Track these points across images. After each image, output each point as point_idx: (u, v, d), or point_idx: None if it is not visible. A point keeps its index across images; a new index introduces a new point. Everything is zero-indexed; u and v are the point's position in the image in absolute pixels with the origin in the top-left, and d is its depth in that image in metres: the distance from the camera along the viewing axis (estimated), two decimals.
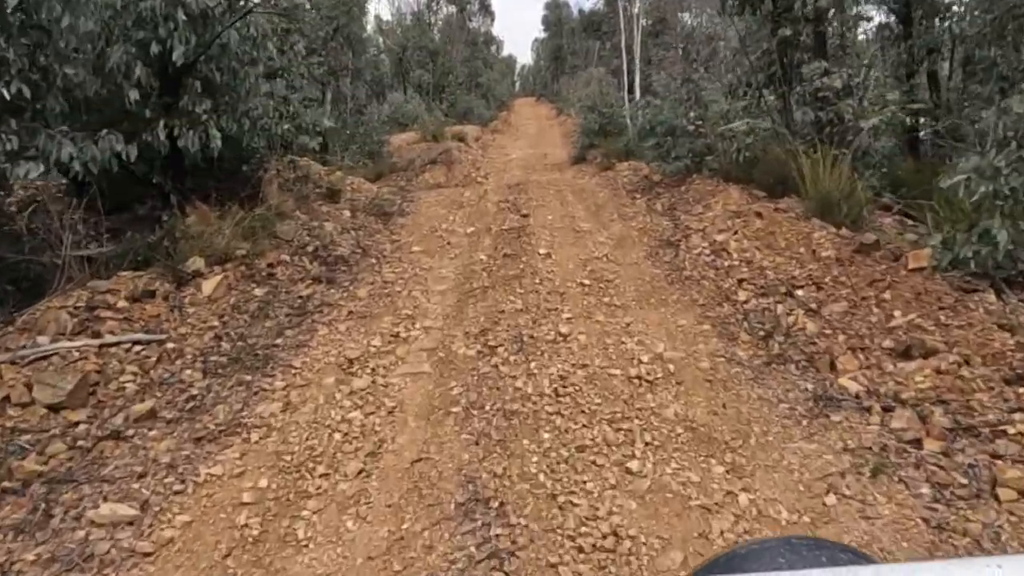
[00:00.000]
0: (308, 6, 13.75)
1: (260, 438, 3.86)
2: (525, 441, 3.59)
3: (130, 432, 3.89)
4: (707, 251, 6.87)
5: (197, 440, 3.83)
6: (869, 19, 11.52)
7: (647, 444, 3.55)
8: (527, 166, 18.35)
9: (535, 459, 3.43)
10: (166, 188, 6.70)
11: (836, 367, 4.28)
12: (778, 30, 8.08)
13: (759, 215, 6.97)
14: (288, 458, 3.64)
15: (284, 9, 13.32)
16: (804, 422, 3.73)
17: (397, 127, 21.62)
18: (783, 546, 0.82)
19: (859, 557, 0.82)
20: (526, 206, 9.25)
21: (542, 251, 7.22)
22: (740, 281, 5.95)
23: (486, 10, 28.01)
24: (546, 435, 3.66)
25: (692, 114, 9.54)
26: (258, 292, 5.99)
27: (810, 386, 4.13)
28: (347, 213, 8.39)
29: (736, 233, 6.90)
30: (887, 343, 4.32)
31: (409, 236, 8.16)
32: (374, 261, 7.18)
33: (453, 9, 27.59)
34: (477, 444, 3.62)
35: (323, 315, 5.74)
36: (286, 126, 7.66)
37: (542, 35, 38.26)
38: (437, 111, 21.38)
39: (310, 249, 7.11)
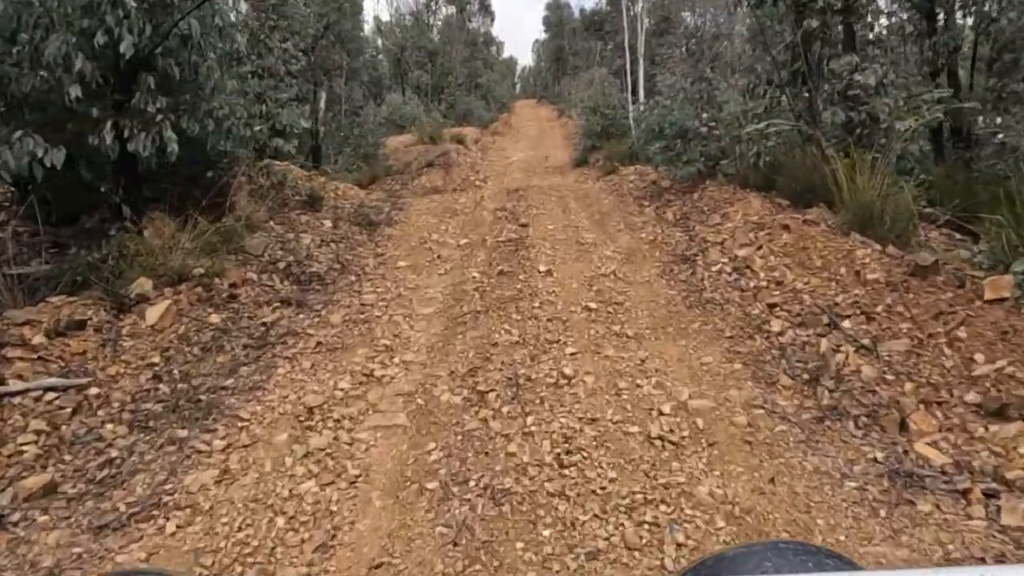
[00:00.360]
0: (297, 2, 12.85)
1: (180, 526, 2.95)
2: (519, 544, 2.68)
3: (15, 517, 2.99)
4: (728, 268, 5.97)
5: (98, 530, 2.92)
6: (891, 14, 10.59)
7: (679, 546, 2.65)
8: (528, 169, 17.45)
9: (532, 575, 2.52)
10: (115, 197, 5.80)
11: (908, 427, 3.37)
12: (802, 21, 7.16)
13: (786, 228, 6.06)
14: (209, 559, 2.74)
15: (272, 5, 12.45)
16: (882, 511, 2.81)
17: (395, 129, 20.75)
18: (770, 550, 0.80)
19: (845, 563, 0.80)
20: (525, 215, 8.34)
21: (542, 268, 6.32)
22: (771, 307, 5.04)
23: (486, 10, 27.17)
24: (546, 532, 2.75)
25: (705, 115, 8.63)
26: (214, 319, 5.08)
27: (880, 454, 3.21)
28: (328, 223, 7.49)
29: (761, 248, 6.00)
30: (971, 397, 3.40)
31: (395, 249, 7.25)
32: (354, 279, 6.28)
33: (452, 10, 26.70)
34: (455, 545, 2.70)
35: (287, 347, 4.83)
36: (257, 127, 6.76)
37: (543, 36, 37.38)
38: (436, 112, 20.46)
39: (282, 265, 6.21)
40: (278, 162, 8.39)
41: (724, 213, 7.10)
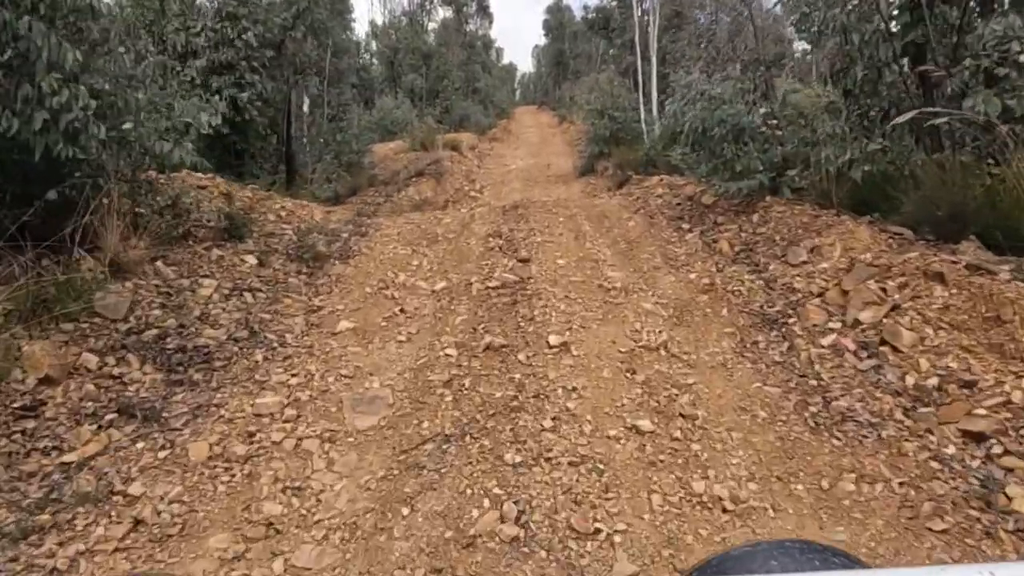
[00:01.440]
0: None
1: None
2: None
3: None
4: (851, 345, 3.54)
5: None
6: None
7: None
8: (528, 178, 15.05)
9: None
10: None
11: None
12: None
13: (939, 278, 3.64)
14: None
15: None
16: None
17: (386, 134, 18.35)
18: (776, 549, 0.77)
19: (851, 562, 0.77)
20: (526, 243, 5.91)
21: (553, 339, 3.87)
22: (974, 438, 2.63)
23: (484, 12, 24.78)
24: None
25: (763, 110, 6.20)
26: None
27: None
28: (252, 260, 5.07)
29: (901, 310, 3.58)
30: None
31: (341, 299, 4.81)
32: (260, 358, 3.83)
33: (449, 12, 24.34)
34: None
35: (69, 536, 2.42)
36: (139, 129, 4.34)
37: (543, 42, 34.98)
38: (429, 117, 18.05)
39: (151, 335, 3.78)
40: (200, 175, 5.97)
41: (813, 247, 4.66)
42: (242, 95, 9.90)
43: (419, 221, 7.25)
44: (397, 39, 21.71)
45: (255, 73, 10.13)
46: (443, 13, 24.53)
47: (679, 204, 6.95)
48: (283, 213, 6.44)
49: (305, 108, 16.25)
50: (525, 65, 66.86)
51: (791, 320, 3.95)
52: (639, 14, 14.78)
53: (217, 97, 9.64)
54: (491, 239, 6.10)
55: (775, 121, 6.09)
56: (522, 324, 4.14)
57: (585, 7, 19.03)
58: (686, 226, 6.21)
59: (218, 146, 10.28)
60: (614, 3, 17.24)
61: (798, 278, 4.39)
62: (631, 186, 10.17)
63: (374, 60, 22.60)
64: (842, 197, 5.39)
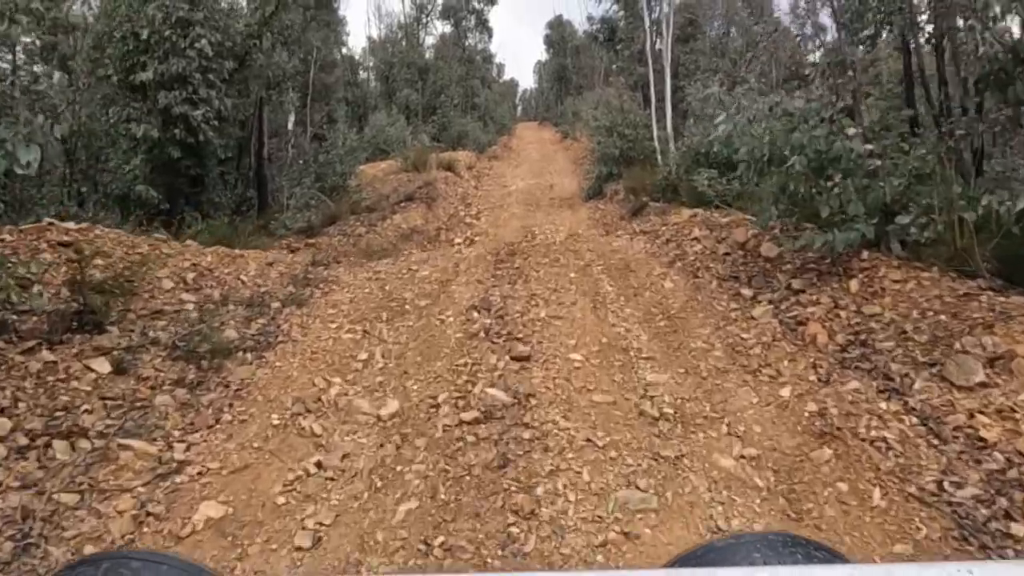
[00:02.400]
0: None
1: None
2: None
3: None
4: None
5: None
6: None
7: None
8: (530, 201, 13.15)
9: None
10: None
11: None
12: None
13: None
14: None
15: None
16: None
17: (379, 153, 16.50)
18: (759, 542, 0.73)
19: (834, 556, 0.74)
20: (525, 321, 3.95)
21: (575, 544, 1.97)
22: None
23: (483, 26, 22.94)
24: None
25: (852, 130, 4.25)
26: None
27: None
28: (104, 366, 3.16)
29: None
30: None
31: (226, 442, 2.86)
32: None
33: (448, 27, 22.54)
34: None
35: None
36: None
37: (544, 58, 33.19)
38: (424, 135, 16.16)
39: None
40: (70, 225, 4.08)
41: (992, 356, 2.73)
42: (195, 113, 8.03)
43: (387, 275, 5.31)
44: (392, 53, 19.87)
45: (211, 88, 8.24)
46: (441, 28, 22.75)
47: (728, 254, 4.99)
48: (192, 275, 4.50)
49: (290, 125, 14.42)
50: (527, 80, 65.27)
51: (1011, 521, 2.02)
52: (649, 23, 12.90)
53: (161, 116, 7.81)
54: (476, 313, 4.15)
55: (870, 147, 4.15)
56: (516, 520, 2.20)
57: (589, 18, 17.14)
58: (747, 291, 4.26)
59: (169, 172, 8.42)
60: (620, 13, 15.34)
61: (986, 420, 2.46)
62: (650, 216, 8.27)
63: (371, 75, 20.78)
64: (987, 258, 3.48)
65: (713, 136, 5.07)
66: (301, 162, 11.43)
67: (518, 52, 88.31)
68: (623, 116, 12.01)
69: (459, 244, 10.11)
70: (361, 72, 21.04)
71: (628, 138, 11.62)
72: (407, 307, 4.38)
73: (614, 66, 14.95)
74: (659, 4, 14.21)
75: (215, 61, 8.10)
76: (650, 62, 11.86)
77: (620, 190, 11.12)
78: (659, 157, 11.26)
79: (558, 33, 27.75)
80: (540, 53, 36.38)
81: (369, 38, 21.41)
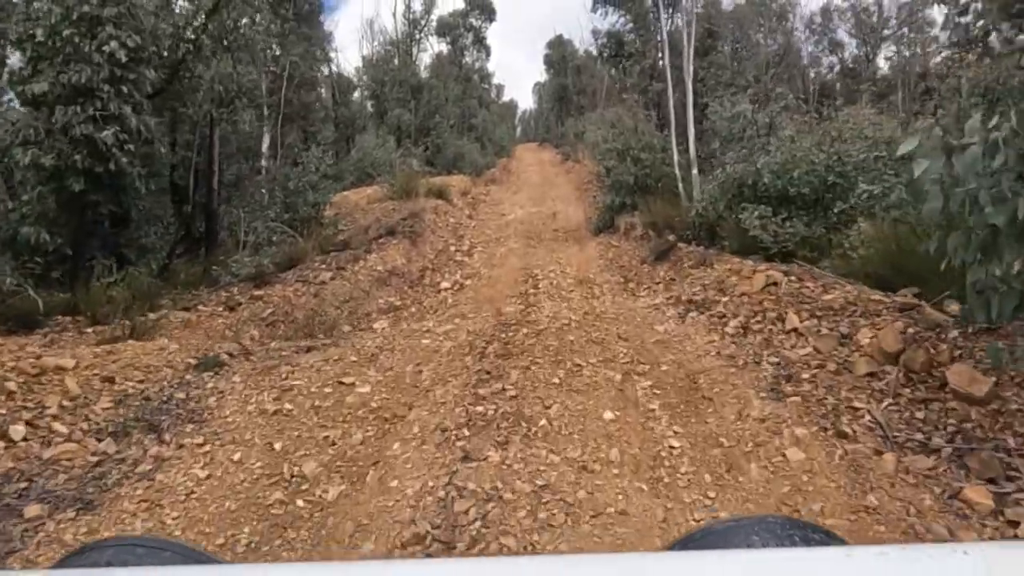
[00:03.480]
0: None
1: None
2: None
3: None
4: None
5: None
6: None
7: None
8: (530, 233, 11.19)
9: None
10: None
11: None
12: None
13: None
14: None
15: None
16: None
17: (366, 178, 14.56)
18: (758, 524, 0.74)
19: (831, 538, 0.75)
20: (525, 534, 1.98)
21: None
22: None
23: (481, 43, 21.06)
24: None
25: None
26: None
27: None
28: None
29: None
30: None
31: None
32: None
33: (444, 46, 20.75)
34: None
35: None
36: None
37: (544, 78, 31.46)
38: (413, 158, 14.22)
39: None
40: None
41: None
42: (103, 133, 6.06)
43: (300, 395, 3.28)
44: (384, 71, 18.01)
45: (126, 102, 6.28)
46: (438, 47, 20.97)
47: (874, 377, 2.94)
48: None
49: (264, 148, 12.49)
50: (526, 101, 63.47)
51: None
52: (666, 31, 11.01)
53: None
54: (437, 512, 2.13)
55: None
56: None
57: (594, 32, 15.27)
58: (980, 497, 2.22)
59: (76, 209, 6.44)
60: (628, 26, 13.45)
61: None
62: (684, 264, 6.31)
63: (363, 95, 18.91)
64: None
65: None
66: (264, 191, 9.46)
67: (518, 75, 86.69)
68: (637, 138, 10.08)
69: (446, 290, 8.13)
70: (356, 92, 19.20)
71: (644, 163, 9.68)
72: (299, 505, 2.33)
73: (628, 83, 13.10)
74: (672, 15, 12.35)
75: (132, 69, 6.14)
76: (669, 76, 9.93)
77: (636, 224, 9.16)
78: (680, 185, 9.32)
79: (558, 52, 25.99)
80: (540, 74, 34.63)
81: (364, 57, 19.63)
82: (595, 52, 15.10)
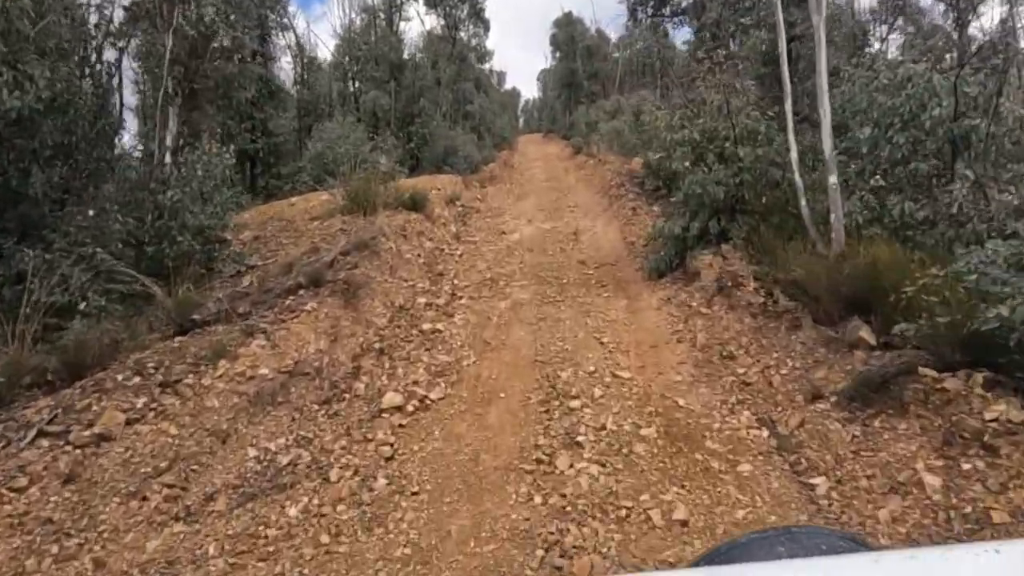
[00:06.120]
0: None
1: None
2: None
3: None
4: None
5: None
6: None
7: None
8: (546, 271, 6.68)
9: None
10: None
11: None
12: None
13: None
14: None
15: None
16: None
17: (326, 179, 10.04)
18: (783, 535, 0.70)
19: (858, 545, 0.71)
20: None
21: None
22: None
23: (478, 17, 16.39)
24: None
25: None
26: None
27: None
28: None
29: None
30: None
31: None
32: None
33: (434, 19, 16.04)
34: None
35: None
36: None
37: (549, 63, 26.67)
38: (383, 154, 9.69)
39: None
40: None
41: None
42: None
43: None
44: (358, 45, 13.38)
45: None
46: (429, 23, 16.26)
47: None
48: None
49: (168, 139, 7.95)
50: (529, 90, 57.69)
51: None
52: None
53: None
54: None
55: None
56: None
57: None
58: None
59: None
60: None
61: None
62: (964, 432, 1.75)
63: (335, 74, 14.25)
64: None
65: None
66: (91, 213, 4.98)
67: (520, 65, 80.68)
68: (729, 123, 5.56)
69: (393, 419, 3.77)
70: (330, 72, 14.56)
71: (745, 164, 5.21)
72: None
73: (682, 44, 8.66)
74: None
75: None
76: (780, 21, 5.37)
77: (741, 276, 4.69)
78: (802, 202, 4.87)
79: (566, 33, 21.24)
80: (545, 59, 29.75)
81: (337, 30, 14.90)
82: (627, 7, 10.46)
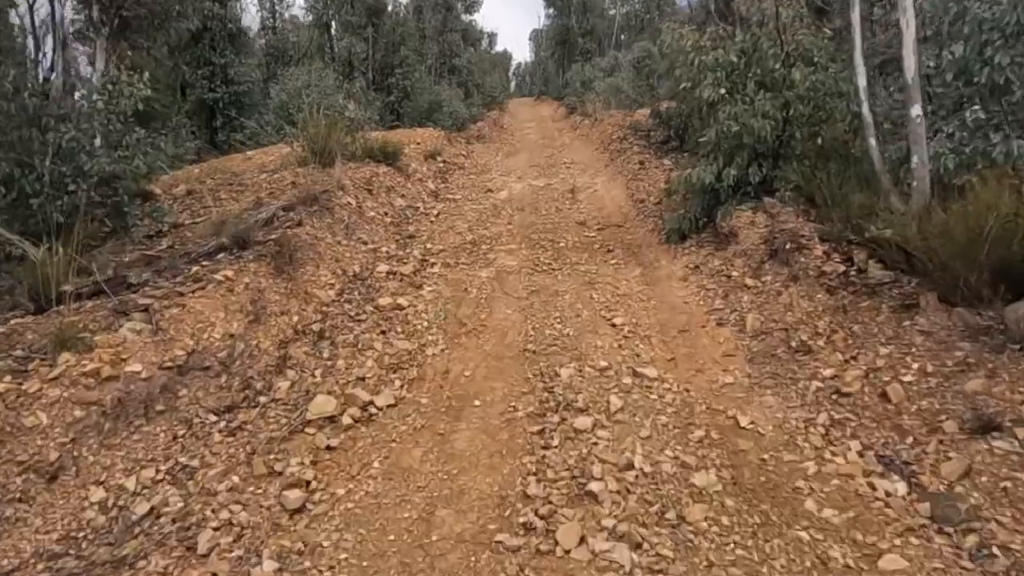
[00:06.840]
0: None
1: None
2: None
3: None
4: None
5: None
6: None
7: None
8: (539, 233, 5.39)
9: None
10: None
11: None
12: None
13: None
14: None
15: None
16: None
17: (291, 127, 8.52)
18: None
19: None
20: None
21: None
22: None
23: None
24: None
25: None
26: None
27: None
28: None
29: None
30: None
31: None
32: None
33: None
34: None
35: None
36: None
37: (543, 22, 24.77)
38: (350, 102, 8.24)
39: None
40: None
41: None
42: None
43: None
44: None
45: None
46: None
47: None
48: None
49: (95, 80, 6.43)
50: (522, 54, 54.82)
51: None
52: None
53: None
54: None
55: None
56: None
57: None
58: None
59: None
60: None
61: None
62: None
63: (308, 18, 12.56)
64: None
65: None
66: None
67: (512, 30, 77.02)
68: (782, 38, 4.19)
69: (326, 450, 2.41)
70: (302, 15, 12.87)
71: (800, 92, 3.88)
72: None
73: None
74: None
75: None
76: None
77: (804, 234, 3.40)
78: (871, 142, 3.54)
79: None
80: (538, 20, 27.75)
81: None
82: None
